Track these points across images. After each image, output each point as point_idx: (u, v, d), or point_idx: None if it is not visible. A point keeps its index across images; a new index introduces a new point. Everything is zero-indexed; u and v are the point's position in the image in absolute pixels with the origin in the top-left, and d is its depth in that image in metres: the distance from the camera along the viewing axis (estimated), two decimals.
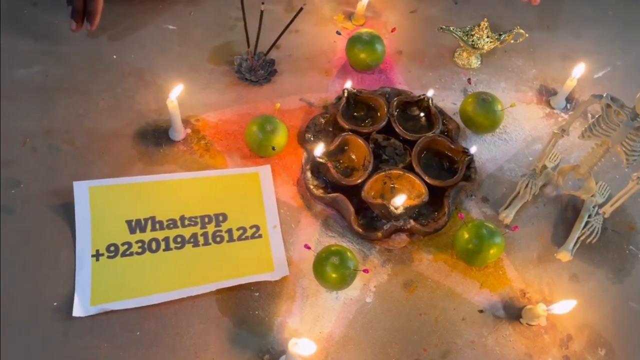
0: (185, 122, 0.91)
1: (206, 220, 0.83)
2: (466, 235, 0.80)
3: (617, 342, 0.79)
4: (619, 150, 0.78)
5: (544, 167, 0.91)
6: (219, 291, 0.77)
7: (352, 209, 0.83)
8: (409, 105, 0.94)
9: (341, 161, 0.89)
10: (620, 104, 0.77)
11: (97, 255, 0.78)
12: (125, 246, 0.79)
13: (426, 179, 0.85)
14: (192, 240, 0.81)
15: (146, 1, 1.05)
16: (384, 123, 0.90)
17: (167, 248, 0.80)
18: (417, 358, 0.76)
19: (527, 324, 0.79)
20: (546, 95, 1.03)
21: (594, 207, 0.88)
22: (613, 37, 1.13)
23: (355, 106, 0.94)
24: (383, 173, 0.85)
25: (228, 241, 0.82)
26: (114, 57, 0.97)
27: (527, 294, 0.82)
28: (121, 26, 1.01)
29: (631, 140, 0.77)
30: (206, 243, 0.81)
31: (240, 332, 0.75)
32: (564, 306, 0.74)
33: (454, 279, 0.82)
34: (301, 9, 0.89)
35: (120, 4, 1.03)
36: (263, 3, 0.87)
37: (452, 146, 0.89)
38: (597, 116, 0.79)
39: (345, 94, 0.91)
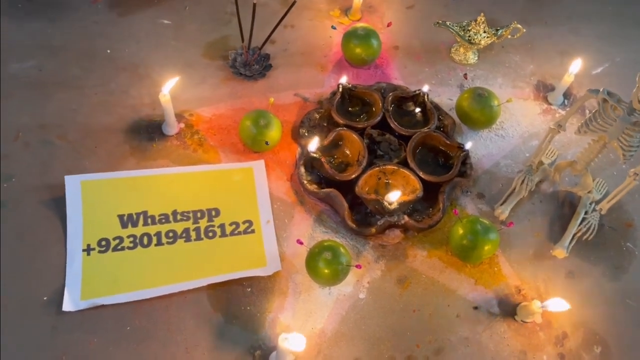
0: (179, 116, 0.91)
1: (199, 215, 0.82)
2: (461, 231, 0.80)
3: (613, 339, 0.78)
4: (615, 145, 0.78)
5: (541, 163, 0.90)
6: (211, 286, 0.77)
7: (345, 205, 0.82)
8: (405, 100, 0.94)
9: (335, 156, 0.89)
10: (617, 98, 0.76)
11: (88, 250, 0.77)
12: (117, 241, 0.79)
13: (421, 174, 0.84)
14: (184, 235, 0.80)
15: None
16: (379, 118, 0.90)
17: (159, 243, 0.79)
18: (410, 354, 0.75)
19: (522, 321, 0.78)
20: (544, 91, 1.02)
21: (590, 203, 0.87)
22: (612, 34, 1.12)
23: (350, 101, 0.93)
24: (377, 168, 0.85)
25: (220, 236, 0.81)
26: (108, 51, 0.97)
27: (522, 291, 0.81)
28: (116, 20, 1.01)
29: (628, 135, 0.76)
30: (198, 238, 0.81)
31: (231, 328, 0.75)
32: (558, 305, 0.73)
33: (449, 276, 0.82)
34: (294, 2, 0.89)
35: None
36: None
37: (448, 142, 0.88)
38: (593, 111, 0.79)
39: (340, 89, 0.91)
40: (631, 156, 0.77)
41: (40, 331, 0.71)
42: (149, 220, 0.81)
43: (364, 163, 0.85)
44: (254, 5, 0.87)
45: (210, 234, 0.81)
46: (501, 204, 0.87)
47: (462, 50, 1.04)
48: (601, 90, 0.76)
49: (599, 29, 1.12)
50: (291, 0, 0.88)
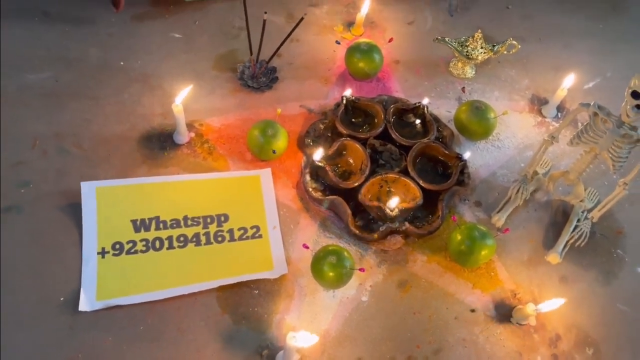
0: (190, 126, 0.94)
1: (208, 220, 0.86)
2: (459, 237, 0.83)
3: (605, 342, 0.82)
4: (605, 156, 0.82)
5: (535, 173, 0.94)
6: (220, 288, 0.80)
7: (349, 211, 0.86)
8: (405, 112, 0.98)
9: (339, 165, 0.93)
10: (607, 112, 0.80)
11: (102, 253, 0.81)
12: (130, 244, 0.82)
13: (421, 183, 0.88)
14: (194, 239, 0.84)
15: (153, 10, 1.08)
16: (381, 129, 0.93)
17: (171, 247, 0.83)
18: (411, 355, 0.78)
19: (517, 323, 0.82)
20: (538, 104, 1.06)
21: (582, 211, 0.91)
22: (603, 49, 1.16)
23: (354, 113, 0.97)
24: (379, 177, 0.88)
25: (229, 241, 0.85)
26: (121, 63, 1.01)
27: (517, 295, 0.85)
28: (129, 34, 1.05)
29: (617, 147, 0.80)
30: (208, 242, 0.84)
31: (240, 328, 0.78)
32: (553, 304, 0.77)
33: (447, 280, 0.85)
34: (302, 18, 0.93)
35: (128, 12, 1.07)
36: (266, 13, 0.90)
37: (446, 152, 0.92)
38: (585, 124, 0.83)
39: (344, 101, 0.95)
40: (620, 167, 0.81)
41: (57, 330, 0.75)
42: (161, 225, 0.84)
43: (367, 172, 0.88)
44: (264, 21, 0.91)
45: (220, 239, 0.85)
46: (497, 212, 0.91)
47: (460, 64, 1.08)
48: (592, 104, 0.81)
49: (591, 45, 1.17)
50: (297, 16, 0.92)
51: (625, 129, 0.78)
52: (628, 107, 0.76)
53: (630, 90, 0.75)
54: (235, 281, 0.80)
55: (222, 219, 0.86)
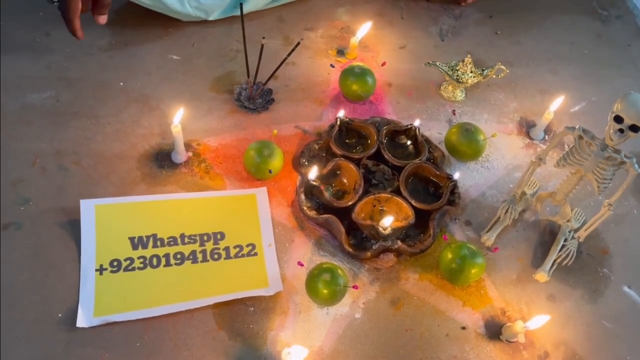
0: (187, 145, 0.96)
1: (205, 238, 0.87)
2: (449, 256, 0.85)
3: (591, 358, 0.84)
4: (590, 178, 0.84)
5: (523, 193, 0.97)
6: (216, 305, 0.82)
7: (343, 230, 0.88)
8: (398, 134, 1.01)
9: (333, 184, 0.95)
10: (591, 135, 0.83)
11: (100, 270, 0.82)
12: (128, 261, 0.84)
13: (413, 202, 0.90)
14: (191, 257, 0.85)
15: (152, 32, 1.11)
16: (374, 150, 0.96)
17: (168, 264, 0.84)
18: None
19: (506, 340, 0.84)
20: (526, 126, 1.09)
21: (569, 231, 0.94)
22: (588, 75, 1.20)
23: (347, 134, 1.00)
24: (372, 196, 0.91)
25: (225, 258, 0.86)
26: (121, 84, 1.03)
27: (507, 313, 0.87)
28: (129, 55, 1.08)
29: (602, 169, 0.83)
30: (204, 260, 0.86)
31: (235, 345, 0.79)
32: (539, 320, 0.79)
33: (439, 298, 0.87)
34: (298, 43, 0.96)
35: (127, 34, 1.10)
36: (264, 38, 0.94)
37: (437, 172, 0.95)
38: (571, 146, 0.86)
39: (338, 122, 0.97)
40: (605, 188, 0.84)
41: (55, 346, 0.76)
42: (158, 243, 0.86)
43: (360, 191, 0.91)
44: (262, 45, 0.94)
45: (216, 256, 0.86)
46: (487, 231, 0.94)
47: (450, 88, 1.11)
48: (577, 127, 0.84)
49: (576, 70, 1.21)
50: (293, 39, 0.95)
51: (609, 151, 0.81)
52: (611, 131, 0.79)
53: (613, 115, 0.78)
54: (231, 298, 0.82)
55: (219, 236, 0.88)
